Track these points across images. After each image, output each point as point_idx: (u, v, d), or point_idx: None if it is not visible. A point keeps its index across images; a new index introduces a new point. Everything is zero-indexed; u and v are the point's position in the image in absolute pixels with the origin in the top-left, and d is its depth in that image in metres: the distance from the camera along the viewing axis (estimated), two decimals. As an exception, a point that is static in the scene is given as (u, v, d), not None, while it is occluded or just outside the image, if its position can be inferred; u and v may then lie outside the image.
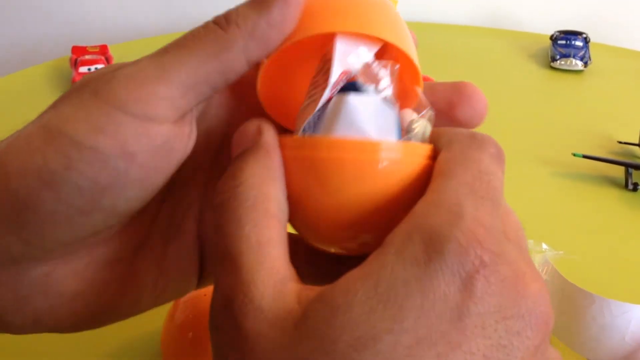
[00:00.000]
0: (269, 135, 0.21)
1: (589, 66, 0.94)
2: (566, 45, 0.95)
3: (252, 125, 0.22)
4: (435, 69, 0.81)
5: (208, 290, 0.40)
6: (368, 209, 0.20)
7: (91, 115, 0.19)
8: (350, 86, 0.22)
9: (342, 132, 0.20)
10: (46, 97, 0.81)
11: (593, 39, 0.98)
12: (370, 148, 0.20)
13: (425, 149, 0.21)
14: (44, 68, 0.89)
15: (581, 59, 0.94)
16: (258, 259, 0.18)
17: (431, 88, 0.24)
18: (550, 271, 0.43)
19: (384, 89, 0.22)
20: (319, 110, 0.21)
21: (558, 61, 0.94)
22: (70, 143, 0.19)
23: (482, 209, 0.18)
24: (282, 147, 0.21)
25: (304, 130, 0.21)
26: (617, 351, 0.40)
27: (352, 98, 0.21)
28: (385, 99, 0.22)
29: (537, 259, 0.44)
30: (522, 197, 0.64)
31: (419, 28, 1.08)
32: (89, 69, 0.82)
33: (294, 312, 0.17)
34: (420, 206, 0.18)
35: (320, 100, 0.21)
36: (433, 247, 0.17)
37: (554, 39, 0.97)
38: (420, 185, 0.20)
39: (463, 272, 0.17)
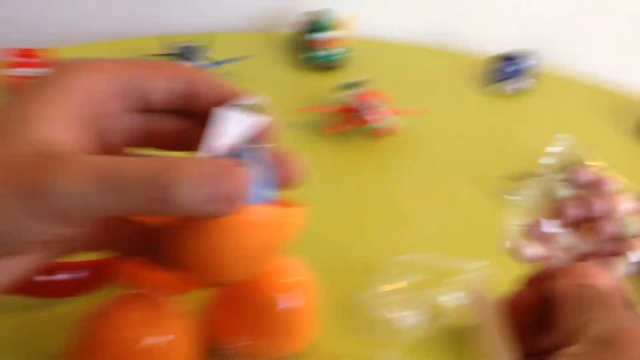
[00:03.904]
0: None
1: (531, 87, 0.96)
2: (508, 66, 0.96)
3: None
4: (386, 87, 0.80)
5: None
6: None
7: None
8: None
9: None
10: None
11: (538, 60, 0.99)
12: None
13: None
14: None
15: (522, 81, 0.95)
16: None
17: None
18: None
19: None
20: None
21: (500, 83, 0.95)
22: None
23: None
24: None
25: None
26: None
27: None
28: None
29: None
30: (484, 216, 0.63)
31: (364, 44, 1.08)
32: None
33: None
34: None
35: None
36: None
37: (496, 60, 0.98)
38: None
39: None
